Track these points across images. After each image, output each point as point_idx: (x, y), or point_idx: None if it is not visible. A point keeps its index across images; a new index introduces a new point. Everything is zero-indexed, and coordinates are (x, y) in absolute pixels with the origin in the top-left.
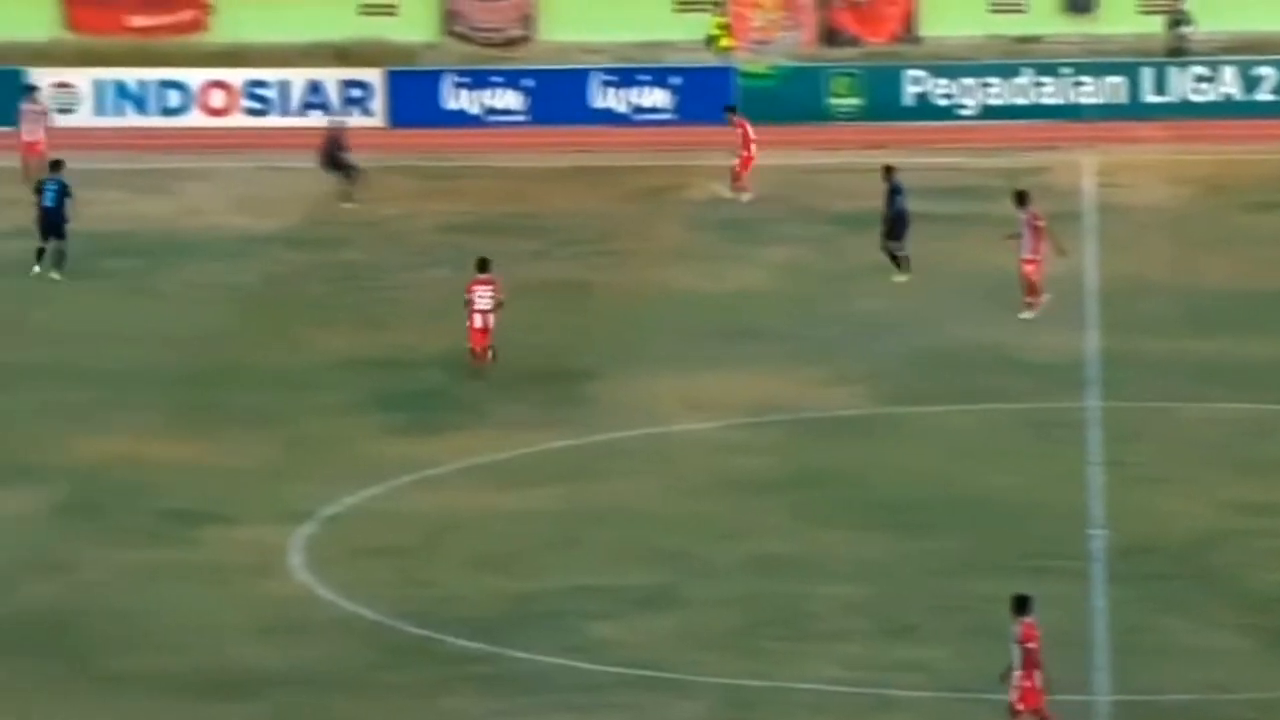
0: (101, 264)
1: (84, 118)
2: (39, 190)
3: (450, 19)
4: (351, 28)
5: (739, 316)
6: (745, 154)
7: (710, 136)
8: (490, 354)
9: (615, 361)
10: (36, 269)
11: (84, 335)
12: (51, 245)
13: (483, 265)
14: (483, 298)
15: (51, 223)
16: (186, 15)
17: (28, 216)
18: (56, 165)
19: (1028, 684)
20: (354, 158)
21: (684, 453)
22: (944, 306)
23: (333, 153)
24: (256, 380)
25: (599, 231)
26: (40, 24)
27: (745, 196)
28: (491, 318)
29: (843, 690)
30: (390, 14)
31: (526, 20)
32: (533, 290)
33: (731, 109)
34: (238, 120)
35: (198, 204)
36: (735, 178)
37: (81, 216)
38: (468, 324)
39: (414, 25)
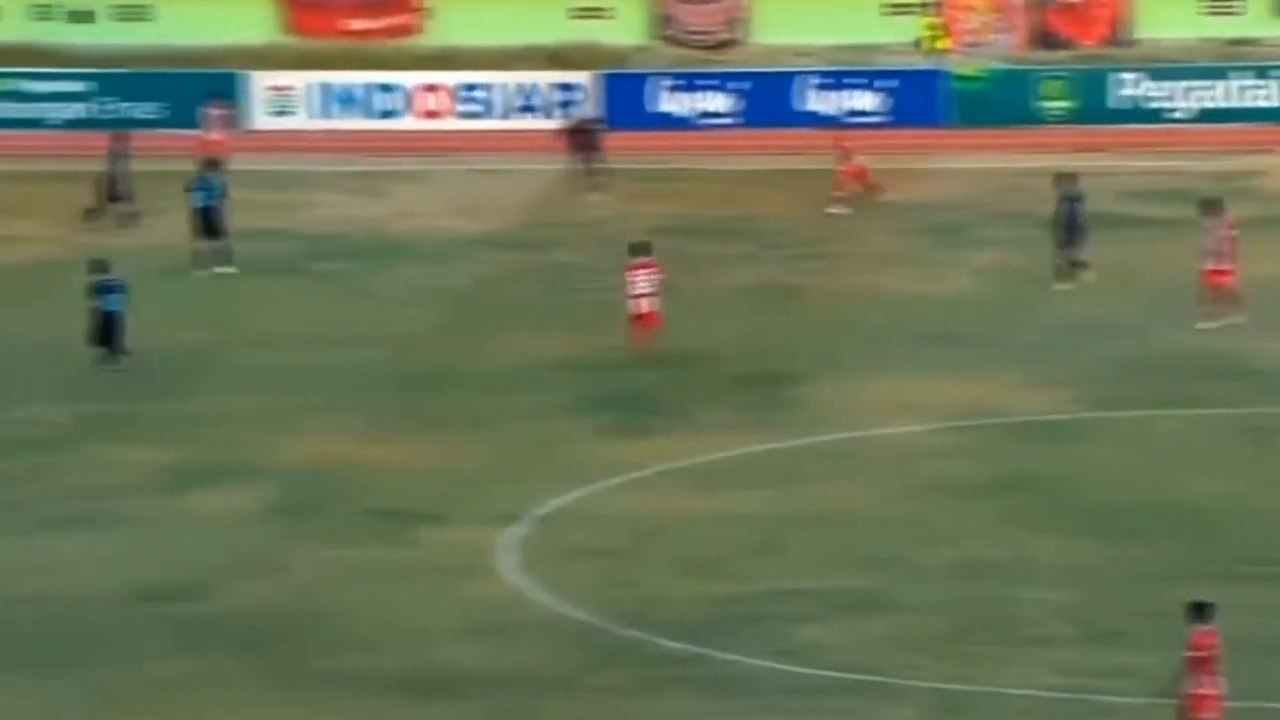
0: (315, 266)
1: (301, 120)
2: (193, 189)
3: (662, 22)
4: (563, 31)
5: (945, 320)
6: (849, 167)
7: (921, 140)
8: (652, 338)
9: (821, 365)
10: (216, 269)
11: (297, 336)
12: (214, 244)
13: (642, 249)
14: (644, 281)
15: (208, 222)
16: (402, 19)
17: (257, 218)
18: (213, 164)
19: (1199, 692)
20: (605, 157)
21: (890, 456)
22: (1152, 310)
23: (585, 148)
24: (467, 382)
25: (808, 235)
26: (259, 27)
27: (839, 209)
28: (654, 300)
29: (1054, 696)
30: (601, 17)
31: (738, 23)
32: (741, 294)
33: (839, 128)
34: (451, 123)
35: (410, 206)
36: (857, 185)
37: (297, 218)
38: (629, 310)
39: (625, 28)
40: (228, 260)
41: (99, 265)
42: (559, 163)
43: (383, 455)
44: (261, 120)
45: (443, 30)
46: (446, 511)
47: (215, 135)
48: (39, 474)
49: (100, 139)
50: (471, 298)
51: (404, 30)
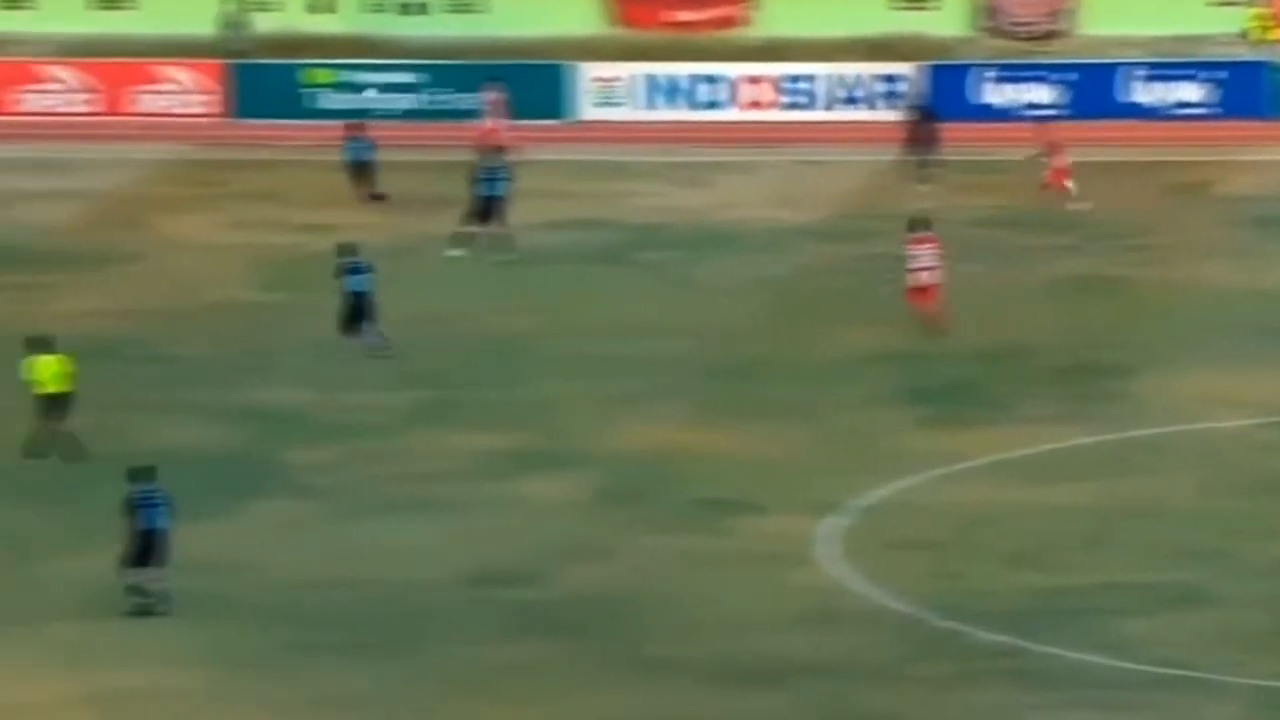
0: (639, 255)
1: (627, 111)
2: (477, 179)
3: (986, 13)
4: (886, 22)
5: (1270, 313)
6: (1059, 163)
7: (1247, 132)
8: (940, 319)
9: (1147, 357)
10: (449, 250)
11: (621, 325)
12: (475, 228)
13: (922, 223)
14: (926, 255)
15: (486, 209)
16: (727, 10)
17: (582, 209)
18: (495, 152)
19: None
20: (941, 148)
21: (1217, 450)
22: None
23: (924, 139)
24: (788, 372)
25: (1132, 227)
26: (587, 19)
27: (1081, 204)
28: (934, 274)
29: None
30: (924, 9)
31: (1063, 15)
32: (1063, 285)
33: (1041, 120)
34: (774, 114)
35: (732, 197)
36: (1057, 186)
37: (620, 208)
38: (908, 283)
39: (948, 20)
40: (464, 245)
41: (347, 248)
42: (882, 154)
43: (705, 444)
44: (588, 111)
45: (767, 21)
46: (767, 501)
47: (491, 123)
48: (372, 459)
49: (430, 129)
50: (792, 288)
51: (729, 22)
